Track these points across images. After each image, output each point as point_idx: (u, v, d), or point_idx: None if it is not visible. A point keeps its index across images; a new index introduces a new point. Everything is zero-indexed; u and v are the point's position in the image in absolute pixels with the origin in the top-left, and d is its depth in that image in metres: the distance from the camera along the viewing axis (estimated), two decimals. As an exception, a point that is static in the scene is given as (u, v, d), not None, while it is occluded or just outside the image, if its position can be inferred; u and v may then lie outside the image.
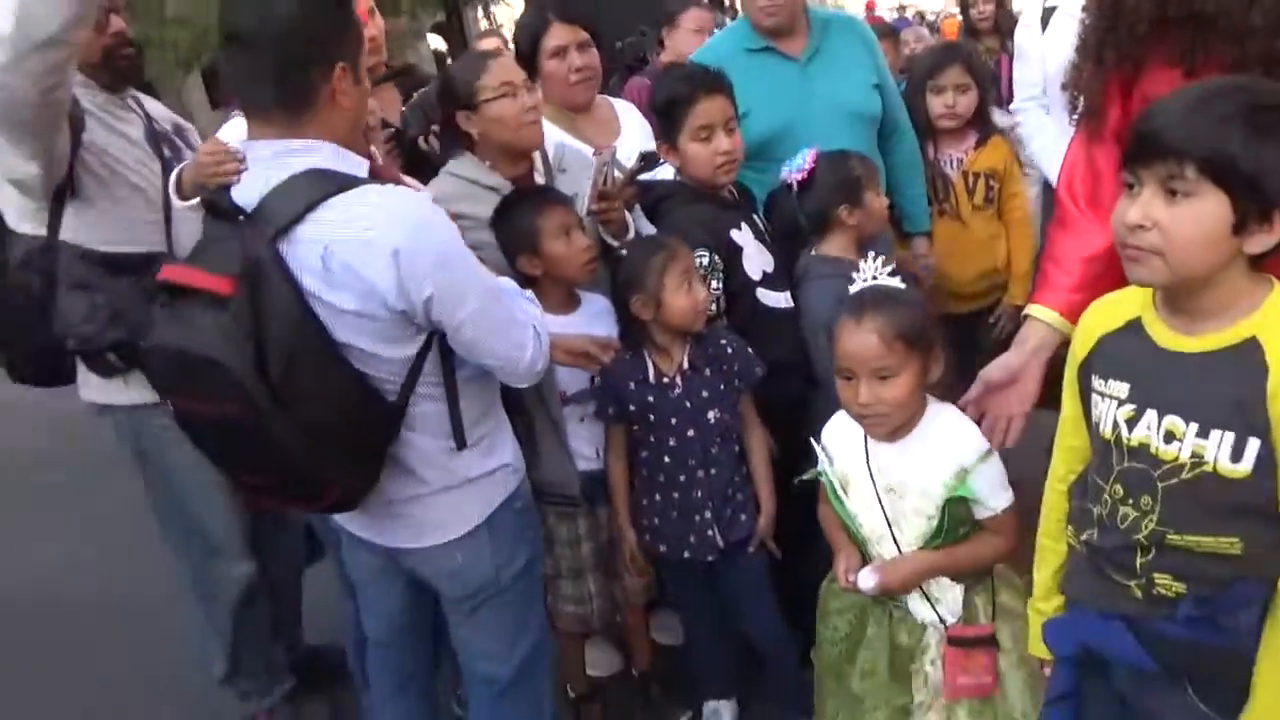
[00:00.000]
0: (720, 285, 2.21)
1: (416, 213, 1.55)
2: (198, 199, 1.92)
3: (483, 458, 1.76)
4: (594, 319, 2.20)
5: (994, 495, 1.72)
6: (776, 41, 2.61)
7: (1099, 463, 1.39)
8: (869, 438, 1.78)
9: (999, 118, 3.13)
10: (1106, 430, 1.35)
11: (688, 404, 2.12)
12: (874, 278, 1.74)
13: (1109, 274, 1.57)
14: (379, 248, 1.47)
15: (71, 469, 4.57)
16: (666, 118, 2.27)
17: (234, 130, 1.92)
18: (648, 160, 2.23)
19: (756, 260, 2.27)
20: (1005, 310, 2.93)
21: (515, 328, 1.69)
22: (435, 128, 2.52)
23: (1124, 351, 1.34)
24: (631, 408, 2.15)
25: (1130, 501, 1.32)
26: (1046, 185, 3.07)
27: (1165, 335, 1.29)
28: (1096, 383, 1.37)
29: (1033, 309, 1.79)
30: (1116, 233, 1.25)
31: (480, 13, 16.36)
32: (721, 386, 2.14)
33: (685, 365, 2.13)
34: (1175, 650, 1.32)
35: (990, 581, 1.80)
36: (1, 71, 1.79)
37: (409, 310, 1.53)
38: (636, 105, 2.85)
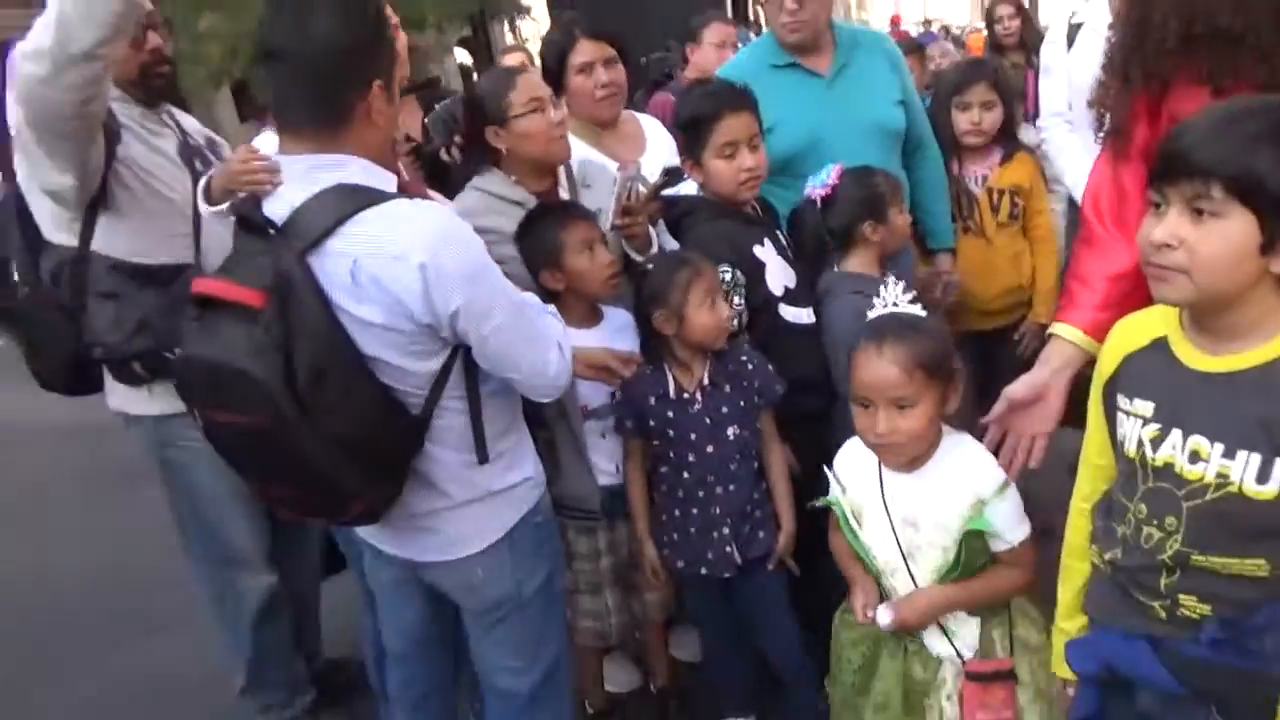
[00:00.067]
0: (743, 301, 2.21)
1: (443, 227, 1.56)
2: (225, 205, 1.94)
3: (505, 472, 1.76)
4: (616, 334, 2.20)
5: (1011, 528, 1.69)
6: (802, 58, 2.62)
7: (1124, 482, 1.38)
8: (884, 467, 1.75)
9: (1025, 134, 3.11)
10: (1131, 449, 1.34)
11: (707, 420, 2.12)
12: (894, 304, 1.72)
13: (1135, 293, 1.56)
14: (406, 262, 1.49)
15: (91, 480, 4.60)
16: (691, 134, 2.27)
17: (264, 144, 1.95)
18: (671, 175, 2.24)
19: (779, 276, 2.27)
20: (1029, 328, 2.91)
21: (540, 342, 1.69)
22: (458, 139, 2.54)
23: (1150, 370, 1.33)
24: (651, 423, 2.15)
25: (1155, 522, 1.30)
26: (1072, 202, 3.04)
27: (1191, 355, 1.28)
28: (1122, 402, 1.36)
29: (1057, 327, 1.77)
30: (1142, 251, 1.25)
31: (506, 27, 16.48)
32: (741, 403, 2.14)
33: (706, 381, 2.13)
34: (1200, 672, 1.30)
35: (1007, 614, 1.76)
36: (40, 84, 1.84)
37: (435, 323, 1.54)
38: (661, 121, 2.86)
